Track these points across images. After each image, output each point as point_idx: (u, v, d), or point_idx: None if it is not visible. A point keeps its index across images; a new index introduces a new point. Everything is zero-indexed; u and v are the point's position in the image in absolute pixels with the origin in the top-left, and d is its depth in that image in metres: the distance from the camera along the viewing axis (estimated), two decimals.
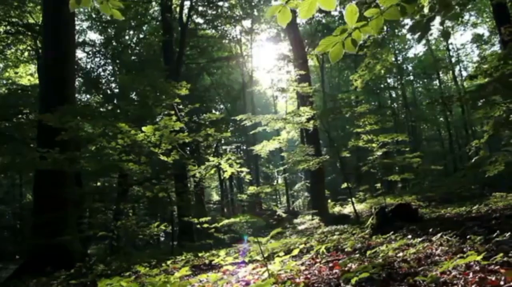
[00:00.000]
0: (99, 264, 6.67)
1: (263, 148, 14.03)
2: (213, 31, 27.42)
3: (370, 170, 13.32)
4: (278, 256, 3.59)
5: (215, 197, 44.29)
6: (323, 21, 25.85)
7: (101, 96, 24.22)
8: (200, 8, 24.61)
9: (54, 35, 10.09)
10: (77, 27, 25.21)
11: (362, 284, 2.47)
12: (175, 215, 13.44)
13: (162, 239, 23.55)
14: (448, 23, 28.64)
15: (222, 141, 41.40)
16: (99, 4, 3.50)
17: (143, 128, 6.59)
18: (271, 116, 13.31)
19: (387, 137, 12.76)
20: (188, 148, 27.32)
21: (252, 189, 10.17)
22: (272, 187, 11.54)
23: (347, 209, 18.10)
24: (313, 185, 18.41)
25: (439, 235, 4.32)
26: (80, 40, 25.12)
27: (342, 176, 19.56)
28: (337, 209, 19.42)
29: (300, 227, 17.16)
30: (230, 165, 9.15)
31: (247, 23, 29.17)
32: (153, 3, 24.32)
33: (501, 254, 2.49)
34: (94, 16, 23.96)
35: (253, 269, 3.29)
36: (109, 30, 24.98)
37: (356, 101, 23.93)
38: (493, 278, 2.11)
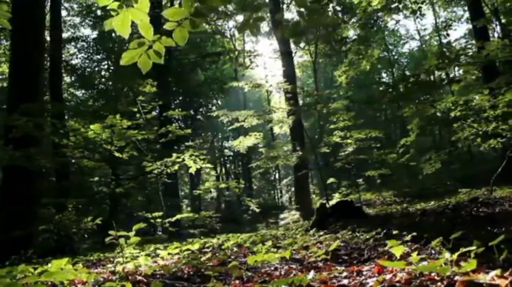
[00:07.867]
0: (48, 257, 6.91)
1: (241, 143, 14.24)
2: (206, 26, 27.44)
3: (345, 165, 13.42)
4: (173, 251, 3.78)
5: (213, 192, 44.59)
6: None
7: (95, 91, 24.46)
8: None
9: (22, 24, 9.76)
10: (68, 23, 25.53)
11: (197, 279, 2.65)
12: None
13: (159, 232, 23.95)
14: (442, 18, 28.37)
15: (220, 136, 41.74)
16: None
17: (91, 126, 6.77)
18: (246, 112, 13.43)
19: (361, 133, 12.85)
20: (185, 144, 27.58)
21: (209, 185, 10.37)
22: (228, 183, 11.69)
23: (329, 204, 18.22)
24: (296, 180, 18.52)
25: (344, 231, 4.47)
26: (74, 35, 25.43)
27: (328, 171, 19.65)
28: None
29: (282, 222, 17.37)
30: (194, 161, 9.31)
31: (240, 18, 29.19)
32: None
33: (327, 251, 2.65)
34: (84, 12, 24.12)
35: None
36: (101, 25, 25.14)
37: (345, 96, 23.92)
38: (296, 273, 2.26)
